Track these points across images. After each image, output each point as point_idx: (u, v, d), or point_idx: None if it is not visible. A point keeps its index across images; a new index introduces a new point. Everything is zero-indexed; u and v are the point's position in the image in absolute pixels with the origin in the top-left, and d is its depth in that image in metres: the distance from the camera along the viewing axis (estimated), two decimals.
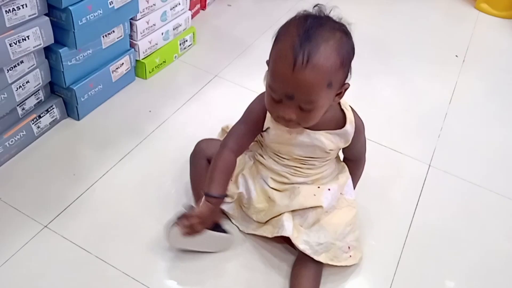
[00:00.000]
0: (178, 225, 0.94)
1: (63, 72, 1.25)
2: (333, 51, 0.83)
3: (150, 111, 1.43)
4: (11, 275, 0.98)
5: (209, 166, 1.01)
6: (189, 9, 1.67)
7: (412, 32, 2.03)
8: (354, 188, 1.12)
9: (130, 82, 1.52)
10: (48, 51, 1.23)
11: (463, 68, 1.83)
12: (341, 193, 1.07)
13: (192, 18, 1.73)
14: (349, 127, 0.99)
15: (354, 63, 0.90)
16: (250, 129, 1.02)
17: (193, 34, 1.71)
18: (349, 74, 0.90)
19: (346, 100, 1.01)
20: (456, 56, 1.89)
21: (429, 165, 1.37)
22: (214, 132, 1.25)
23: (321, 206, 1.01)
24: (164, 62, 1.61)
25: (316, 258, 0.98)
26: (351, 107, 1.02)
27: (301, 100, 0.86)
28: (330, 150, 1.01)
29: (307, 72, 0.82)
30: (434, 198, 1.28)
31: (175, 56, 1.65)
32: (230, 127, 1.06)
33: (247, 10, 2.03)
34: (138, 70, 1.54)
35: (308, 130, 0.98)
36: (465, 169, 1.38)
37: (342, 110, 1.00)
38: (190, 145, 1.17)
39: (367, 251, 1.09)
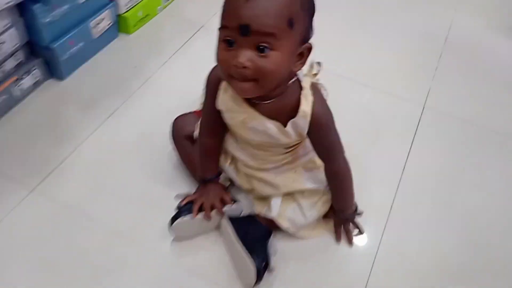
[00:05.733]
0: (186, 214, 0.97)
1: (40, 30, 1.20)
2: None
3: (135, 67, 1.39)
4: (1, 240, 0.98)
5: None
6: None
7: None
8: (340, 212, 1.03)
9: (113, 39, 1.47)
10: (22, 9, 1.17)
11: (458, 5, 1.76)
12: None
13: None
14: (301, 120, 0.85)
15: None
16: (212, 116, 0.95)
17: None
18: (311, 30, 0.80)
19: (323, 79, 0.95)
20: None
21: (424, 107, 1.34)
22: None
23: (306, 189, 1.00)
24: (148, 15, 1.55)
25: (297, 236, 1.00)
26: (319, 96, 0.87)
27: (258, 32, 0.71)
28: (285, 143, 0.92)
29: None
30: (428, 140, 1.25)
31: (159, 9, 1.59)
32: None
33: None
34: (121, 25, 1.49)
35: (261, 117, 0.87)
36: (460, 107, 1.35)
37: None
38: (177, 100, 1.14)
39: (360, 197, 1.06)
